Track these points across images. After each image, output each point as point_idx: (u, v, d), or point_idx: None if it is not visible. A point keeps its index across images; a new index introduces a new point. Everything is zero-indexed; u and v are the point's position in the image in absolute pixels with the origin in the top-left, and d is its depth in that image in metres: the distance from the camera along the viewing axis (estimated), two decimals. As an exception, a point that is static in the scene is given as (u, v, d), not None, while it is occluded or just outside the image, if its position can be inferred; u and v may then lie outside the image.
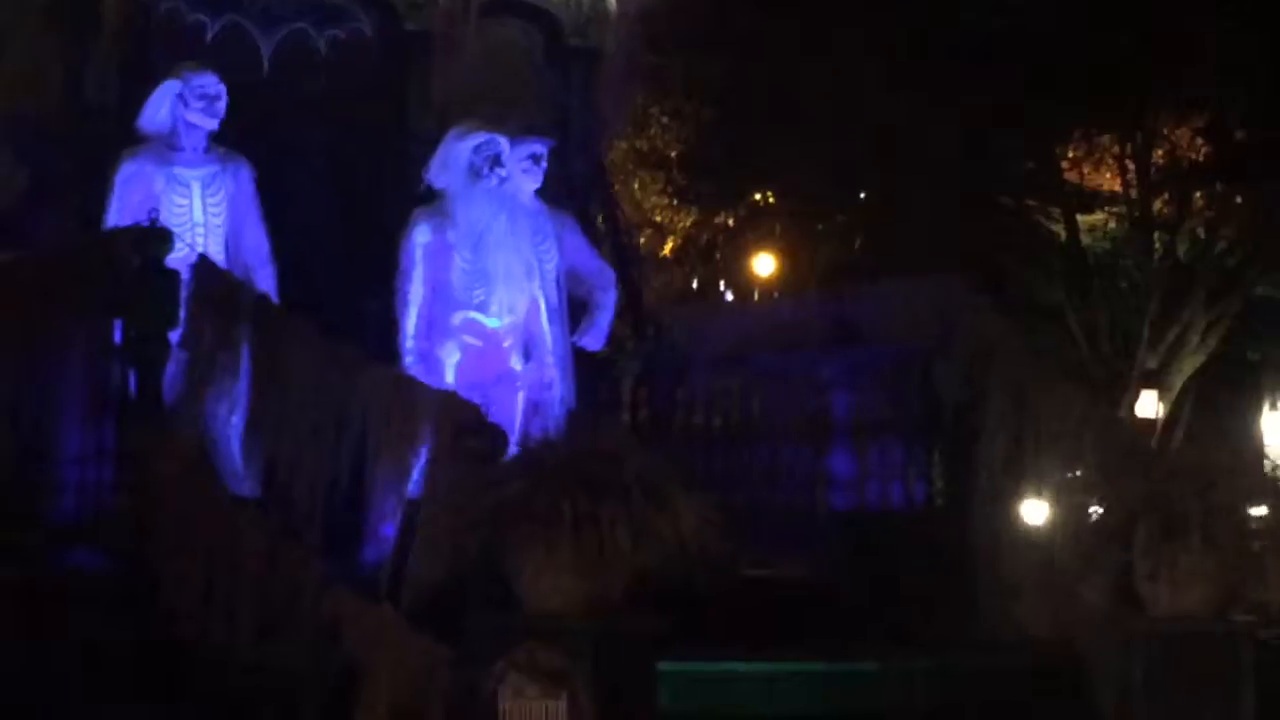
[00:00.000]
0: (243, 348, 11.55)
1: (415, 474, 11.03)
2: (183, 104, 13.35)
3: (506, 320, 13.42)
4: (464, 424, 10.59)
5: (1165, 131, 31.77)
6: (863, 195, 31.88)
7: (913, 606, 12.27)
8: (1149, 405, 30.45)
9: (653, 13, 15.01)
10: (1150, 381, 30.82)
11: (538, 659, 9.64)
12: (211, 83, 13.38)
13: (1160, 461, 10.81)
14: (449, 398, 11.00)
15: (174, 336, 11.69)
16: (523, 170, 13.63)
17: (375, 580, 11.20)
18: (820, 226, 32.36)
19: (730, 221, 32.30)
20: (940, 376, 12.89)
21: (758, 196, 31.94)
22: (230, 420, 12.04)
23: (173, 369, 11.72)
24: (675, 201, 30.24)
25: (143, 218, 12.20)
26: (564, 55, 15.26)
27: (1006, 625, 12.23)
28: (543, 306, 13.61)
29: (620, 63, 14.92)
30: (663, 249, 30.70)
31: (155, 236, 11.65)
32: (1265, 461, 11.18)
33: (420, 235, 13.48)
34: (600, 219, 15.07)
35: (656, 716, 9.90)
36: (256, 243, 13.36)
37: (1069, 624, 11.83)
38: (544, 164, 13.77)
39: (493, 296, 13.40)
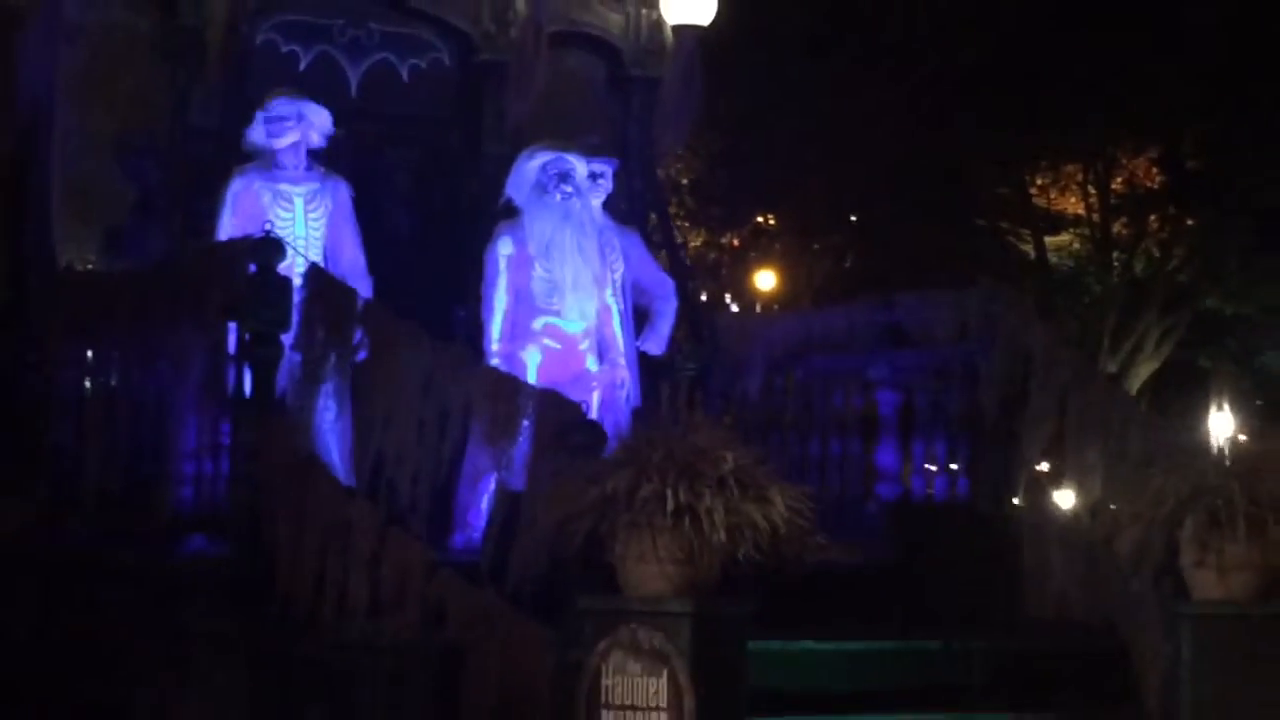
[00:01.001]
0: (351, 349, 11.15)
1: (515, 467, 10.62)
2: (263, 127, 13.00)
3: (582, 325, 13.17)
4: (567, 421, 10.18)
5: (1124, 161, 31.74)
6: (854, 218, 31.67)
7: (961, 591, 11.86)
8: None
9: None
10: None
11: (639, 639, 9.30)
12: (281, 104, 13.01)
13: (1208, 455, 10.28)
14: (552, 395, 10.61)
15: (286, 339, 11.31)
16: (590, 187, 13.30)
17: (466, 564, 10.75)
18: (815, 246, 32.18)
19: (735, 242, 32.15)
20: (983, 377, 12.49)
21: (760, 219, 31.72)
22: (326, 417, 11.67)
23: (284, 369, 11.34)
24: (687, 224, 29.98)
25: (251, 230, 11.94)
26: (624, 84, 14.88)
27: (1049, 609, 11.85)
28: (614, 312, 13.35)
29: (677, 91, 14.54)
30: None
31: (270, 246, 11.27)
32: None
33: (504, 247, 13.20)
34: (658, 235, 14.64)
35: (746, 693, 9.47)
36: (354, 256, 13.01)
37: (1111, 608, 11.47)
38: (608, 182, 13.46)
39: (569, 303, 13.12)
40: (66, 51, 13.27)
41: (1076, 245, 32.50)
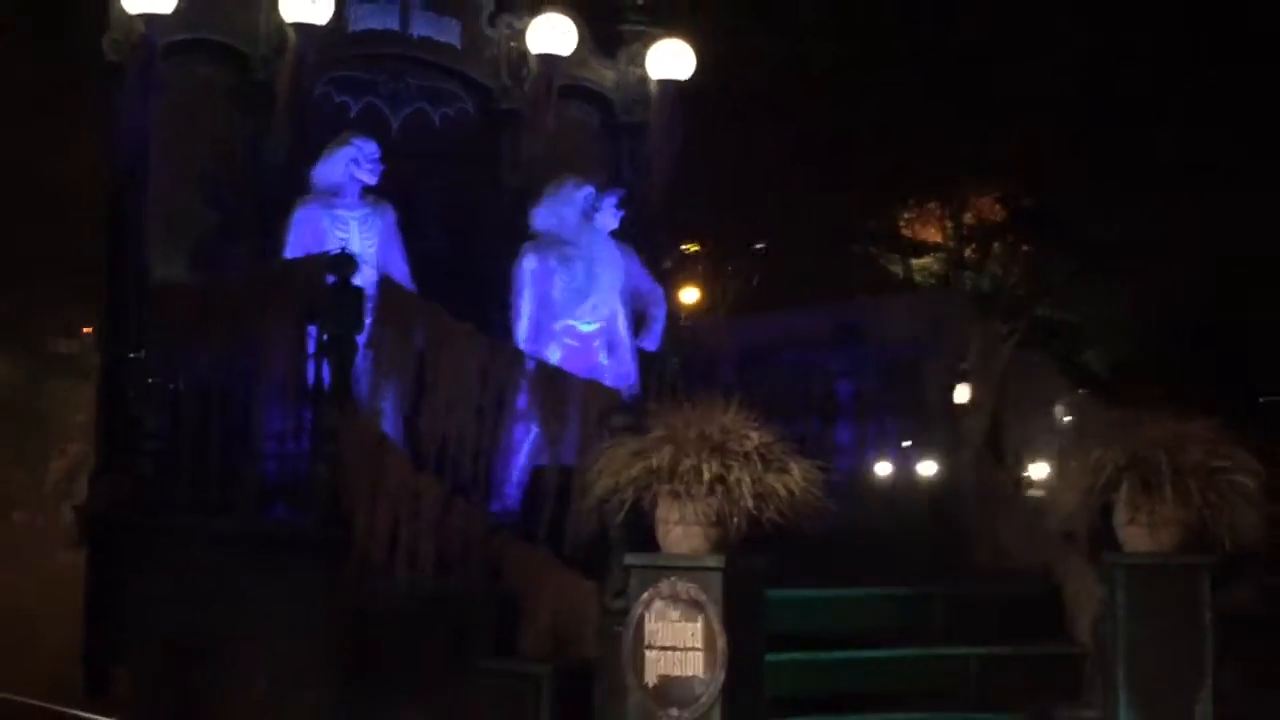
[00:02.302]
0: (415, 346, 10.60)
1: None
2: (355, 165, 12.51)
3: (596, 326, 12.75)
4: (608, 405, 9.64)
5: (973, 199, 31.57)
6: (760, 245, 31.51)
7: (918, 547, 11.37)
8: (963, 394, 29.96)
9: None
10: (963, 378, 30.33)
11: (678, 590, 8.78)
12: (376, 149, 12.62)
13: (1139, 429, 9.82)
14: (595, 384, 10.07)
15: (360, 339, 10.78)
16: (608, 213, 12.89)
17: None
18: (729, 268, 31.93)
19: (667, 265, 31.73)
20: (930, 367, 12.03)
21: (684, 247, 31.32)
22: (383, 407, 11.13)
23: (359, 364, 10.80)
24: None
25: (313, 249, 11.77)
26: (616, 129, 14.42)
27: (991, 560, 11.40)
28: (620, 316, 12.91)
29: (660, 135, 14.07)
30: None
31: (346, 261, 10.75)
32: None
33: (529, 263, 12.73)
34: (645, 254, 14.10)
35: (764, 634, 8.98)
36: (400, 270, 12.44)
37: (1046, 559, 11.02)
38: (621, 210, 12.96)
39: (586, 308, 12.69)
40: (157, 101, 12.68)
41: (936, 266, 32.28)
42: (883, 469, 12.39)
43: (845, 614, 10.42)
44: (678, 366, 13.07)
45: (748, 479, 8.81)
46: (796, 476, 8.99)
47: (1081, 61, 28.26)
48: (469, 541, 10.01)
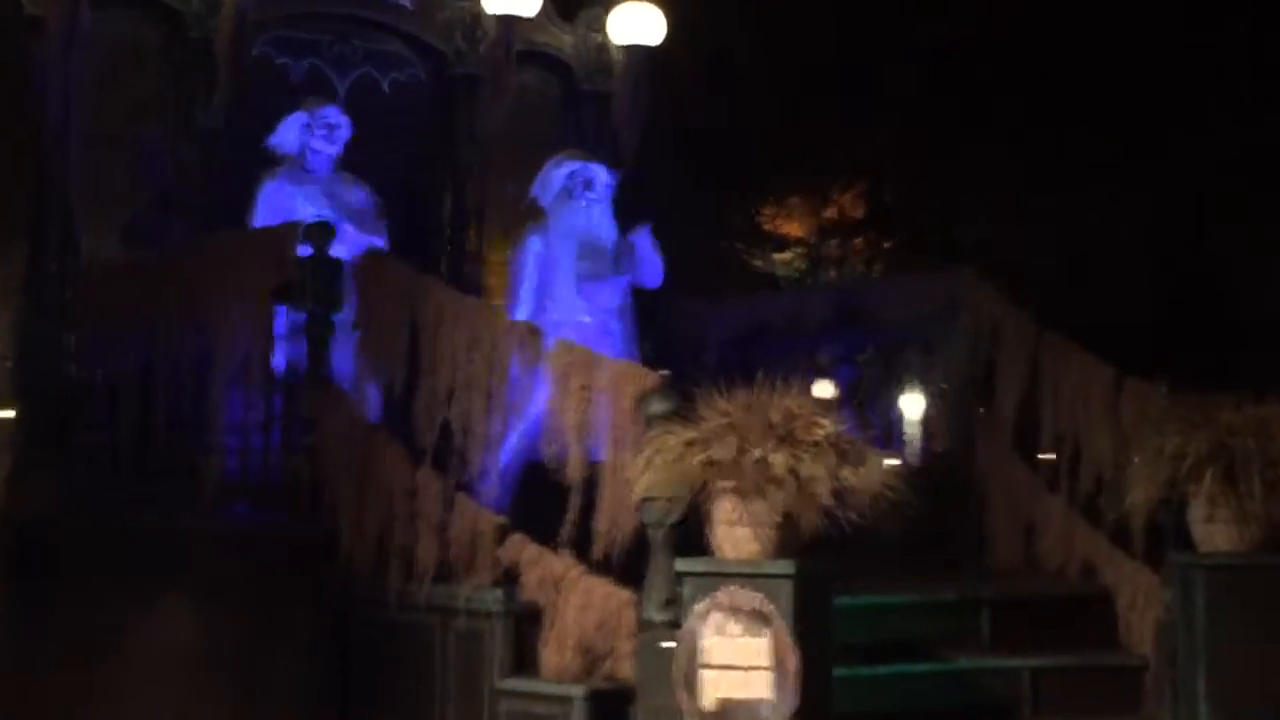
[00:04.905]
0: (409, 323, 8.84)
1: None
2: (309, 132, 10.81)
3: (595, 317, 11.05)
4: (646, 389, 7.93)
5: (835, 196, 30.25)
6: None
7: (937, 543, 9.82)
8: (825, 389, 28.78)
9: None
10: (822, 373, 29.15)
11: (740, 600, 7.23)
12: (333, 114, 11.01)
13: (1221, 417, 8.36)
14: (629, 366, 8.34)
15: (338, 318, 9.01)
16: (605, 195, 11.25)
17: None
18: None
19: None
20: (949, 350, 10.48)
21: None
22: (370, 392, 9.35)
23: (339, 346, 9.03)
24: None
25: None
26: (576, 98, 12.66)
27: (1026, 562, 9.90)
28: (620, 304, 11.25)
29: (626, 104, 12.36)
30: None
31: (322, 230, 8.97)
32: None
33: (534, 245, 11.04)
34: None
35: (834, 648, 7.39)
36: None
37: (1094, 561, 9.53)
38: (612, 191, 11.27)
39: (585, 294, 11.02)
40: (83, 60, 10.72)
41: (798, 262, 31.03)
42: (889, 462, 10.76)
43: (887, 621, 8.87)
44: (650, 353, 11.35)
45: (824, 472, 7.20)
46: (875, 469, 7.39)
47: (942, 61, 27.22)
48: (476, 545, 8.29)
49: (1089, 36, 26.35)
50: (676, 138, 26.49)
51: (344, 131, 10.91)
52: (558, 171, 11.03)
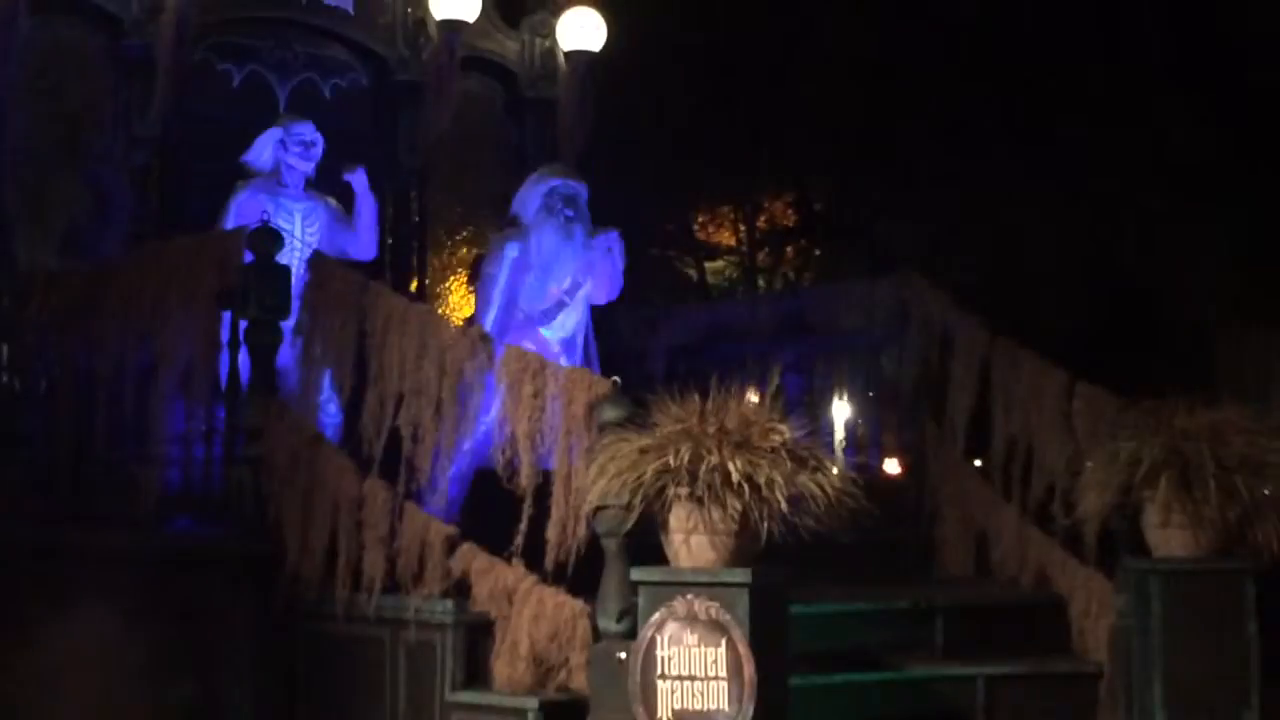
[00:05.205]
0: (357, 330, 8.64)
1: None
2: (284, 148, 10.62)
3: (561, 335, 10.89)
4: (598, 397, 7.77)
5: (766, 204, 30.21)
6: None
7: (885, 552, 9.71)
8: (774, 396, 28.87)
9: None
10: (771, 381, 29.20)
11: (697, 609, 7.06)
12: (309, 131, 10.74)
13: (1175, 421, 8.28)
14: (581, 373, 8.16)
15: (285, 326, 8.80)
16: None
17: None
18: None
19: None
20: (901, 357, 10.36)
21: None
22: (318, 402, 9.14)
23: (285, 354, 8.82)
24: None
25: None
26: (520, 105, 12.47)
27: (978, 569, 9.80)
28: (585, 322, 11.12)
29: (572, 111, 12.18)
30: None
31: (267, 235, 8.76)
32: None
33: (510, 251, 10.85)
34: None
35: (789, 656, 7.24)
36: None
37: (1046, 568, 9.43)
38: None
39: (556, 314, 10.85)
40: (18, 65, 10.52)
41: (729, 270, 30.97)
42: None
43: (841, 630, 8.73)
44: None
45: (780, 479, 7.06)
46: (833, 476, 7.25)
47: (873, 69, 27.19)
48: (425, 556, 8.10)
49: (1015, 45, 26.43)
50: (607, 143, 26.50)
51: (319, 150, 10.68)
52: (538, 188, 10.83)
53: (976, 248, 27.38)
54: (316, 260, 8.87)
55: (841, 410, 10.83)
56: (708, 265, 30.93)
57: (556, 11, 12.17)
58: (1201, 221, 23.95)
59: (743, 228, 30.65)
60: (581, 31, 11.98)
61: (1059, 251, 25.94)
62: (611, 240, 10.83)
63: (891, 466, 10.51)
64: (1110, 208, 24.53)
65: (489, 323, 10.51)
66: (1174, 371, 9.64)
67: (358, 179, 10.81)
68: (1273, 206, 22.76)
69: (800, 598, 8.00)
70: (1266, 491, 8.17)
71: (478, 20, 11.88)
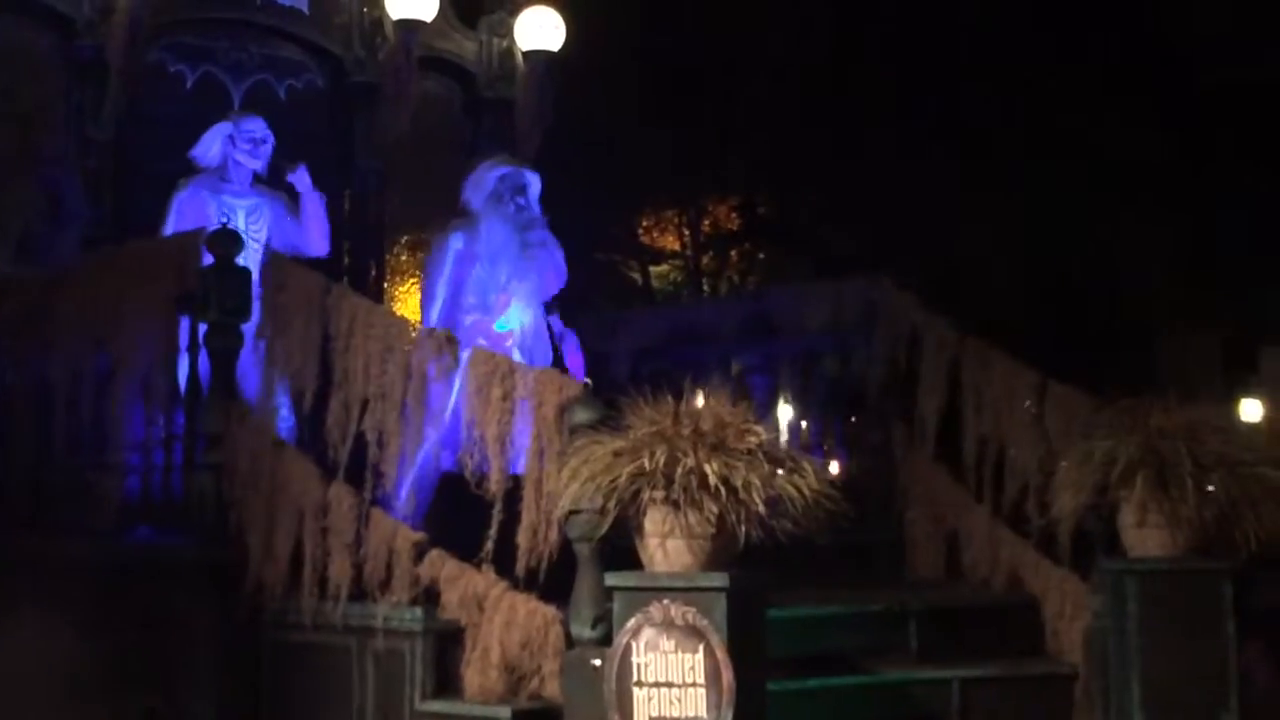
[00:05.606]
0: (317, 333, 8.39)
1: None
2: (232, 144, 10.29)
3: (511, 328, 10.46)
4: (568, 399, 7.56)
5: (710, 208, 30.14)
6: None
7: (854, 555, 9.52)
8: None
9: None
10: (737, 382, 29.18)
11: (673, 615, 6.85)
12: (259, 128, 10.40)
13: (1150, 420, 8.14)
14: (550, 374, 7.94)
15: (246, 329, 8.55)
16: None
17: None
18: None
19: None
20: (869, 358, 10.19)
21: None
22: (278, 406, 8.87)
23: (246, 358, 8.58)
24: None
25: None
26: (478, 105, 12.26)
27: (948, 571, 9.65)
28: (539, 317, 10.70)
29: (530, 111, 11.97)
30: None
31: (227, 238, 8.51)
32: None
33: (455, 242, 10.41)
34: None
35: (766, 661, 7.06)
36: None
37: (1019, 570, 9.29)
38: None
39: (506, 307, 10.44)
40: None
41: (674, 274, 30.84)
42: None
43: (815, 634, 8.54)
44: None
45: (758, 481, 6.87)
46: (811, 477, 7.06)
47: (818, 74, 27.13)
48: (393, 562, 7.88)
49: (961, 46, 26.40)
50: (554, 144, 26.30)
51: (269, 147, 10.39)
52: (490, 174, 10.50)
53: (918, 251, 27.34)
54: (276, 261, 8.61)
55: (830, 412, 10.65)
56: (652, 269, 30.81)
57: (515, 11, 11.95)
58: (1145, 224, 23.98)
59: (687, 232, 30.55)
60: (540, 31, 11.78)
61: (1000, 254, 25.96)
62: (544, 233, 10.54)
63: (832, 468, 10.29)
64: (1053, 211, 24.54)
65: (433, 317, 10.20)
66: (1117, 374, 9.50)
67: (299, 178, 10.56)
68: (1217, 210, 22.81)
69: (775, 601, 7.84)
70: (1240, 490, 8.02)
71: (435, 20, 11.67)
